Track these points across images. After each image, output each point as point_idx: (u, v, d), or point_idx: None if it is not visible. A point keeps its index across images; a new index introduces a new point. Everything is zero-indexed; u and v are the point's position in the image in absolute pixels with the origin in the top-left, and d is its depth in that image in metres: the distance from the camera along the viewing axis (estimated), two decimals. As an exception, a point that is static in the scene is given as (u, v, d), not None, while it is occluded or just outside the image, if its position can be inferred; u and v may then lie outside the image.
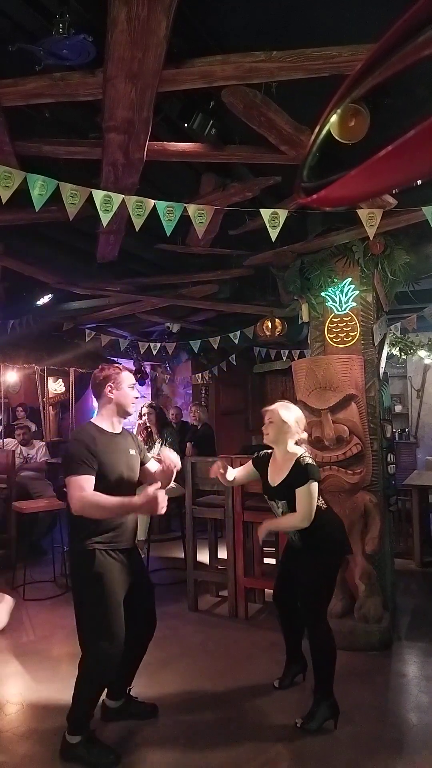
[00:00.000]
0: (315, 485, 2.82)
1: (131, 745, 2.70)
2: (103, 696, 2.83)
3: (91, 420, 2.81)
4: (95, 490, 2.53)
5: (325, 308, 4.11)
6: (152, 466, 2.91)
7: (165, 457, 2.80)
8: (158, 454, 2.88)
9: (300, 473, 2.84)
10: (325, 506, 2.96)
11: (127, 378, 2.81)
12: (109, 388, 2.74)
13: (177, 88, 2.54)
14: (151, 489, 2.51)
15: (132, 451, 2.80)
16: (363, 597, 3.73)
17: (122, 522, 2.66)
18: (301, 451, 2.92)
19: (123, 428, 2.85)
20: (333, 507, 3.79)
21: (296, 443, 2.98)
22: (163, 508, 2.52)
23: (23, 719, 2.96)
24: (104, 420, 2.77)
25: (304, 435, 3.04)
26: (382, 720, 2.90)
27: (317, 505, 2.85)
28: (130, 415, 2.88)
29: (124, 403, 2.77)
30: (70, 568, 2.86)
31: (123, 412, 2.80)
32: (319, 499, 2.88)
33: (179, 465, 2.82)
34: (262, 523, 3.01)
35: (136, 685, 2.99)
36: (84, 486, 2.51)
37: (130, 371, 2.86)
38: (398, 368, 9.44)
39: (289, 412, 2.97)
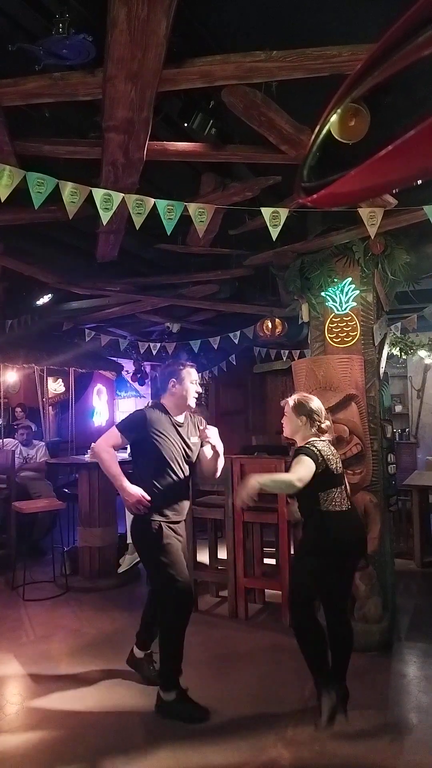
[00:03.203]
0: (305, 458, 2.73)
1: (130, 746, 2.71)
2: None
3: (161, 401, 3.12)
4: (145, 460, 3.01)
5: (325, 308, 4.11)
6: (206, 451, 3.16)
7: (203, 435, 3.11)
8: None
9: (293, 457, 2.84)
10: (337, 509, 2.82)
11: (191, 374, 3.08)
12: (172, 383, 3.05)
13: (177, 88, 2.54)
14: (138, 491, 2.88)
15: (193, 439, 3.10)
16: (363, 597, 3.73)
17: (173, 502, 3.01)
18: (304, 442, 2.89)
19: (186, 415, 3.15)
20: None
21: (319, 431, 2.92)
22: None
23: (23, 719, 2.96)
24: (168, 406, 3.09)
25: (327, 423, 2.99)
26: (382, 720, 2.90)
27: (324, 509, 2.80)
28: (191, 408, 3.13)
29: (186, 396, 3.05)
30: (134, 538, 3.26)
31: (184, 406, 3.09)
32: (327, 502, 2.81)
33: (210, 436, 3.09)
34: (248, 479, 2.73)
35: (137, 685, 2.99)
36: (109, 438, 3.02)
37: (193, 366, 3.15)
38: (398, 368, 9.42)
39: (301, 405, 2.93)
